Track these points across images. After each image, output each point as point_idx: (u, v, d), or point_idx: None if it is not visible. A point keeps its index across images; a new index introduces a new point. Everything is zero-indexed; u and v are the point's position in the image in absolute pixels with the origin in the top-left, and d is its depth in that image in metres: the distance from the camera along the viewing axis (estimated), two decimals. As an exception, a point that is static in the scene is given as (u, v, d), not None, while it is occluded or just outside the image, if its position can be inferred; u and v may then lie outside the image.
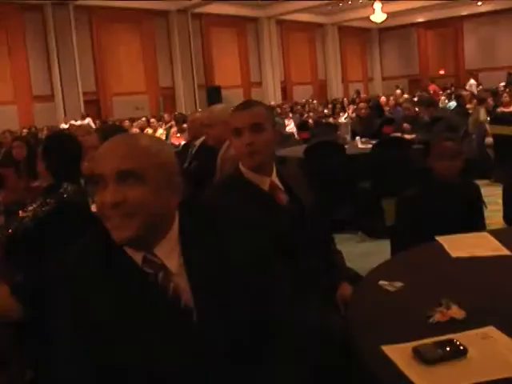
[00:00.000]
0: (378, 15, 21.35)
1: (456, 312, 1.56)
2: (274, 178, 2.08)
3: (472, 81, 21.85)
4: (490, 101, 10.06)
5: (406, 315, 1.62)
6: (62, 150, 2.71)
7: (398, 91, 16.50)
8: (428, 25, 28.16)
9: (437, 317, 1.55)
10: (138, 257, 1.32)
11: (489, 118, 9.37)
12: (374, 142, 6.38)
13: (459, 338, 1.43)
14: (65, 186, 2.57)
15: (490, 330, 1.48)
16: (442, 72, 27.86)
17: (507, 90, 15.81)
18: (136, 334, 1.26)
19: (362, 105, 8.59)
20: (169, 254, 1.33)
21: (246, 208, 1.71)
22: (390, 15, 22.59)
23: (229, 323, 1.32)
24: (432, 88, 19.21)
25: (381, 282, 1.82)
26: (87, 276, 1.29)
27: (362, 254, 4.95)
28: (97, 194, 1.29)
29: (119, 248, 1.31)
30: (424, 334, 1.45)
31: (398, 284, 1.81)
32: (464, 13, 26.45)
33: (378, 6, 20.97)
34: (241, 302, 1.34)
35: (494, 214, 3.68)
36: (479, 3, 24.83)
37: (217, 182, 2.25)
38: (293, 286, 1.50)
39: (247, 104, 2.08)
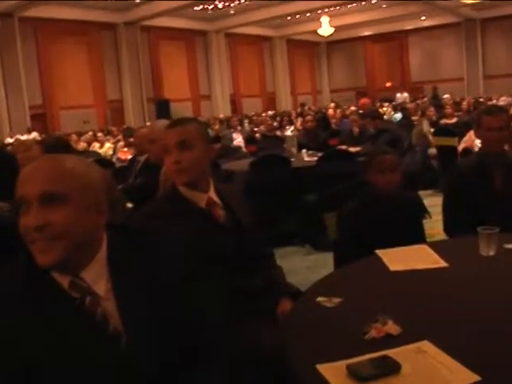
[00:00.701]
0: (326, 29, 21.72)
1: (392, 328, 1.57)
2: (212, 195, 2.06)
3: (405, 93, 22.52)
4: (431, 112, 10.26)
5: (342, 332, 1.62)
6: (-5, 167, 2.62)
7: (332, 104, 16.59)
8: (375, 38, 28.84)
9: (373, 333, 1.55)
10: (64, 281, 1.28)
11: (433, 130, 9.64)
12: (319, 154, 6.44)
13: (394, 353, 1.43)
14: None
15: (425, 344, 1.50)
16: (388, 84, 28.53)
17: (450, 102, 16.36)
18: (64, 362, 1.21)
19: (308, 117, 8.68)
20: (96, 277, 1.29)
21: (179, 227, 1.68)
22: (338, 29, 23.06)
23: (159, 347, 1.29)
24: (363, 102, 18.72)
25: (319, 299, 1.82)
26: (4, 303, 1.24)
27: (310, 266, 4.98)
28: (21, 217, 1.25)
29: (45, 272, 1.26)
30: (360, 351, 1.45)
31: (337, 300, 1.81)
32: (409, 27, 27.23)
33: (325, 20, 21.36)
34: (171, 325, 1.31)
35: (437, 224, 3.75)
36: (423, 18, 25.58)
37: (154, 199, 2.22)
38: (229, 305, 1.48)
39: (177, 121, 2.06)
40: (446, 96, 21.03)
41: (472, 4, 16.11)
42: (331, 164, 5.85)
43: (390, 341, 1.52)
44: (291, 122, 13.77)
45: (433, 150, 8.63)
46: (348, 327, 1.63)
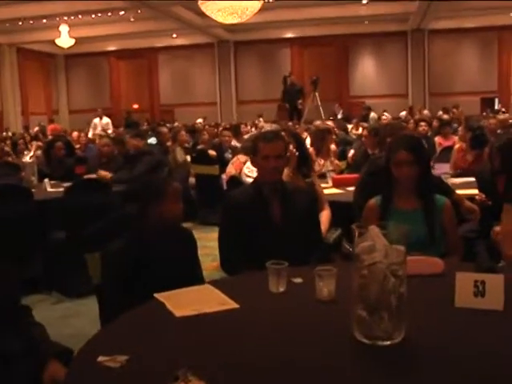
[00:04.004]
0: (65, 40, 21.18)
1: (195, 384, 1.52)
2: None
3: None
4: (183, 137, 10.42)
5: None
6: None
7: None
8: (121, 54, 28.93)
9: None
10: None
11: (189, 157, 9.94)
12: (66, 184, 6.24)
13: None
14: None
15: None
16: (136, 106, 28.78)
17: (206, 126, 17.16)
18: None
19: (48, 141, 8.32)
20: None
21: None
22: (80, 41, 22.65)
23: None
24: (52, 128, 17.81)
25: (100, 358, 1.69)
26: None
27: (62, 316, 4.75)
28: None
29: None
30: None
31: (122, 358, 1.70)
32: (159, 44, 27.91)
33: (64, 29, 20.77)
34: None
35: (205, 259, 3.85)
36: (174, 36, 26.50)
37: None
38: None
39: None
40: (199, 120, 22.06)
41: (225, 25, 17.23)
42: (82, 195, 5.66)
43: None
44: (27, 147, 13.07)
45: (192, 180, 8.90)
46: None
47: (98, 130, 16.98)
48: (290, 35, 26.90)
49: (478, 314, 2.07)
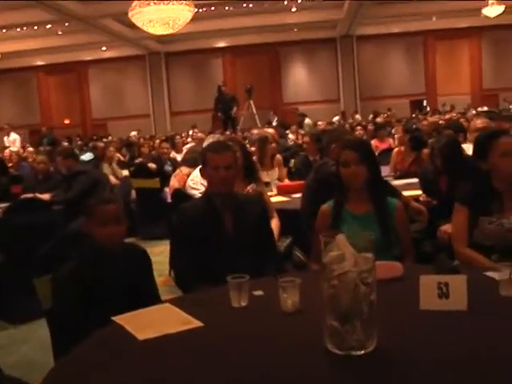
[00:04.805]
0: (-10, 55, 20.59)
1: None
2: None
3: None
4: (111, 152, 10.21)
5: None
6: None
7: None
8: (49, 69, 28.27)
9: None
10: None
11: (127, 171, 9.78)
12: (2, 205, 6.04)
13: None
14: None
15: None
16: (67, 121, 28.21)
17: (141, 139, 16.93)
18: None
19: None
20: None
21: None
22: (5, 56, 22.06)
23: None
24: None
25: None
26: None
27: (5, 345, 4.52)
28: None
29: None
30: None
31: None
32: (89, 58, 27.45)
33: (-12, 43, 20.21)
34: None
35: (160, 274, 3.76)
36: (104, 48, 26.10)
37: None
38: None
39: None
40: (133, 133, 21.77)
41: (156, 36, 17.02)
42: (21, 216, 5.46)
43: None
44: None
45: (133, 194, 8.76)
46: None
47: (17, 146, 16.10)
48: (221, 44, 26.94)
49: (443, 316, 2.07)
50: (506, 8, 19.44)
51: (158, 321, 2.17)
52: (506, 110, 18.07)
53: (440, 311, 2.09)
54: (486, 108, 20.16)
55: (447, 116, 17.16)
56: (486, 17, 20.44)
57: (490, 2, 19.38)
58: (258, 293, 2.42)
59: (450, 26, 25.43)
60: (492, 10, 19.76)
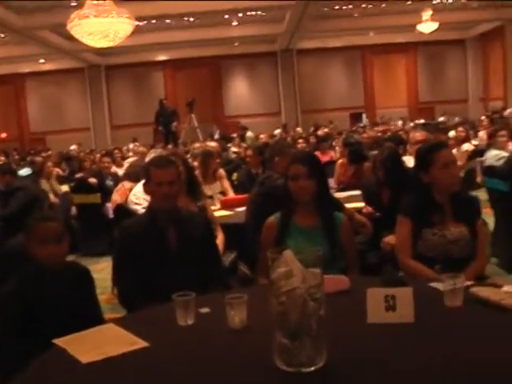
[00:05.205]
0: None
1: None
2: None
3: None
4: (50, 169, 9.93)
5: None
6: None
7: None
8: (-16, 82, 27.54)
9: None
10: None
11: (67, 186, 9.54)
12: None
13: None
14: None
15: None
16: (4, 135, 27.48)
17: (81, 153, 16.59)
18: None
19: None
20: None
21: None
22: None
23: None
24: None
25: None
26: None
27: None
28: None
29: None
30: None
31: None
32: (26, 70, 26.81)
33: None
34: None
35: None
36: (42, 61, 25.57)
37: None
38: None
39: None
40: (73, 147, 21.41)
41: (95, 49, 16.72)
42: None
43: None
44: None
45: (73, 209, 8.56)
46: None
47: None
48: (162, 58, 26.84)
49: (390, 328, 2.07)
50: (439, 25, 20.09)
51: (101, 342, 2.09)
52: (443, 123, 18.56)
53: (387, 324, 2.10)
54: (422, 120, 20.72)
55: (381, 128, 17.56)
56: (421, 33, 21.08)
57: (424, 18, 19.99)
58: (205, 310, 2.37)
59: (387, 41, 26.07)
60: (426, 27, 20.39)
